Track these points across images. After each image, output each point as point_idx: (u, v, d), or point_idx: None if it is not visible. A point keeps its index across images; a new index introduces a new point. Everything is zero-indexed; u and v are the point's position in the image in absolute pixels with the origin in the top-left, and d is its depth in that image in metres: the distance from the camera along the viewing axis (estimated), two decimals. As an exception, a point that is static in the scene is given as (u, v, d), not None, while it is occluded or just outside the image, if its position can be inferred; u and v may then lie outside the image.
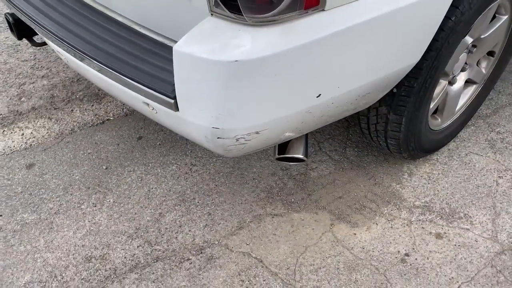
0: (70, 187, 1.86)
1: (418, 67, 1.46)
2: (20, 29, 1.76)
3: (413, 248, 1.65)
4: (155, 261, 1.62)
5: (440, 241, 1.67)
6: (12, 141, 2.05)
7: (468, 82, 1.92)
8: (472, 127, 2.08)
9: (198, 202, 1.81)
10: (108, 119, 2.15)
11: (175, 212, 1.77)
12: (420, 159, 1.94)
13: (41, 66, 2.44)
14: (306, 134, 1.50)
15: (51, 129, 2.10)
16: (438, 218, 1.74)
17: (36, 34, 1.80)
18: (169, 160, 1.96)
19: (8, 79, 2.37)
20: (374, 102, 1.55)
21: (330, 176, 1.89)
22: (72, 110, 2.19)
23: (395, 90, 1.54)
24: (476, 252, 1.64)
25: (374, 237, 1.68)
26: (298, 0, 1.07)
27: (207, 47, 1.09)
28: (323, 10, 1.13)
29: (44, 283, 1.57)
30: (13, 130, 2.10)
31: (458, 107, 1.93)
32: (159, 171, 1.92)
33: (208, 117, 1.16)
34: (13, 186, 1.87)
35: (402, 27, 1.28)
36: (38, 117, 2.16)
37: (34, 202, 1.81)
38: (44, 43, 1.93)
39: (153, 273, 1.59)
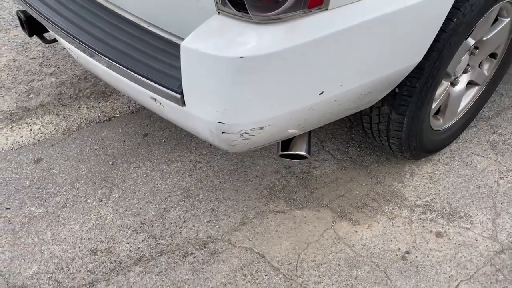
0: (76, 181, 1.90)
1: (420, 68, 1.48)
2: (31, 26, 1.80)
3: (414, 246, 1.67)
4: (159, 254, 1.65)
5: (440, 240, 1.69)
6: (21, 137, 2.09)
7: (470, 83, 1.94)
8: (474, 129, 2.10)
9: (202, 198, 1.84)
10: (114, 116, 2.19)
11: (179, 207, 1.80)
12: (422, 159, 1.96)
13: (49, 64, 2.48)
14: (309, 132, 1.53)
15: (58, 125, 2.14)
16: (438, 217, 1.76)
17: (47, 31, 1.84)
18: (174, 157, 2.00)
19: (17, 76, 2.41)
20: (376, 101, 1.57)
21: (333, 175, 1.92)
22: (79, 107, 2.23)
23: (397, 90, 1.56)
24: (475, 251, 1.66)
25: (375, 235, 1.71)
26: (302, -1, 1.10)
27: (214, 43, 1.12)
28: (327, 9, 1.16)
29: (51, 275, 1.60)
30: (22, 125, 2.14)
31: (460, 108, 1.96)
32: (164, 167, 1.95)
33: (213, 112, 1.19)
34: (21, 180, 1.91)
35: (404, 27, 1.31)
36: (46, 114, 2.20)
37: (42, 196, 1.85)
38: (54, 40, 1.97)
39: (157, 266, 1.62)
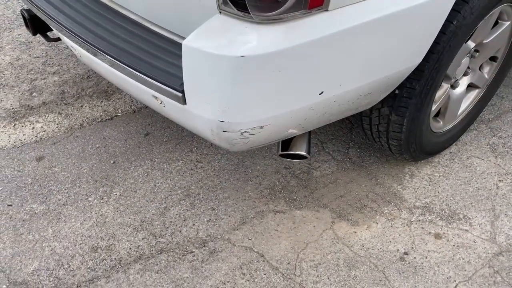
0: (78, 179, 1.91)
1: (419, 69, 1.49)
2: (35, 25, 1.82)
3: (412, 247, 1.68)
4: (159, 252, 1.66)
5: (439, 241, 1.70)
6: (23, 135, 2.11)
7: (471, 86, 1.95)
8: (474, 131, 2.11)
9: (202, 197, 1.85)
10: (116, 115, 2.20)
11: (179, 206, 1.82)
12: (422, 161, 1.97)
13: (53, 63, 2.50)
14: (309, 132, 1.54)
15: (61, 123, 2.16)
16: (437, 219, 1.77)
17: (50, 30, 1.86)
18: (175, 156, 2.01)
19: (20, 74, 2.43)
20: (376, 102, 1.58)
21: (333, 176, 1.93)
22: (81, 106, 2.25)
23: (397, 92, 1.58)
24: (474, 252, 1.66)
25: (374, 236, 1.72)
26: (302, 0, 1.12)
27: (215, 42, 1.14)
28: (327, 10, 1.17)
29: (51, 271, 1.61)
30: (24, 124, 2.16)
31: (460, 111, 1.96)
32: (165, 166, 1.97)
33: (214, 111, 1.20)
34: (23, 178, 1.92)
35: (403, 29, 1.32)
36: (49, 112, 2.22)
37: (43, 193, 1.86)
38: (58, 39, 1.98)
39: (157, 264, 1.63)
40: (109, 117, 2.19)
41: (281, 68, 1.16)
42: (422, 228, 1.74)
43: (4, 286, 1.57)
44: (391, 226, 1.75)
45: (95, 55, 1.43)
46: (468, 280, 1.59)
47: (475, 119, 2.08)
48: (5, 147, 2.05)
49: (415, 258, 1.65)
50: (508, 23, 1.79)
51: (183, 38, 1.25)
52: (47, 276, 1.60)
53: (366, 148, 2.05)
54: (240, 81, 1.15)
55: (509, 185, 1.89)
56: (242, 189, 1.88)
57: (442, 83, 1.75)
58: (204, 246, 1.68)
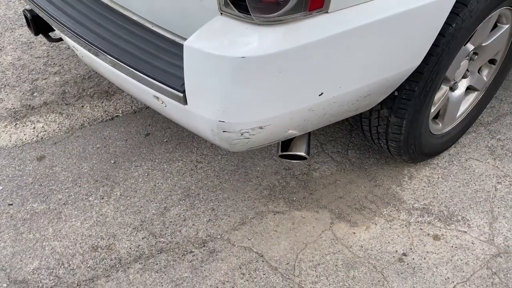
0: (78, 179, 1.92)
1: (419, 71, 1.50)
2: (37, 25, 1.83)
3: (411, 249, 1.69)
4: (159, 252, 1.67)
5: (437, 243, 1.71)
6: (24, 134, 2.12)
7: (470, 89, 1.96)
8: (473, 134, 2.12)
9: (202, 197, 1.86)
10: (117, 116, 2.21)
11: (179, 206, 1.82)
12: (421, 163, 1.98)
13: (54, 63, 2.51)
14: (309, 133, 1.55)
15: (62, 123, 2.17)
16: (436, 220, 1.78)
17: (52, 30, 1.87)
18: (175, 156, 2.02)
19: (21, 74, 2.44)
20: (375, 104, 1.59)
21: (332, 177, 1.94)
22: (82, 106, 2.26)
23: (396, 93, 1.59)
24: (472, 254, 1.67)
25: (373, 237, 1.72)
26: (303, 2, 1.13)
27: (216, 43, 1.15)
28: (327, 12, 1.19)
29: (52, 270, 1.62)
30: (25, 123, 2.17)
31: (459, 113, 1.97)
32: (165, 166, 1.98)
33: (215, 111, 1.22)
34: (24, 177, 1.93)
35: (402, 31, 1.33)
36: (50, 112, 2.23)
37: (44, 193, 1.87)
38: (60, 39, 2.00)
39: (157, 264, 1.64)
40: (110, 118, 2.20)
41: (282, 69, 1.17)
42: (421, 229, 1.75)
43: (5, 284, 1.58)
44: (390, 227, 1.76)
45: (96, 55, 1.44)
46: (466, 281, 1.59)
47: (474, 122, 2.09)
48: (6, 146, 2.06)
49: (413, 259, 1.66)
50: (507, 26, 1.80)
51: (184, 39, 1.26)
52: (47, 275, 1.61)
53: (365, 149, 2.06)
54: (241, 82, 1.16)
55: (507, 187, 1.90)
56: (241, 189, 1.89)
57: (441, 85, 1.76)
58: (204, 246, 1.69)
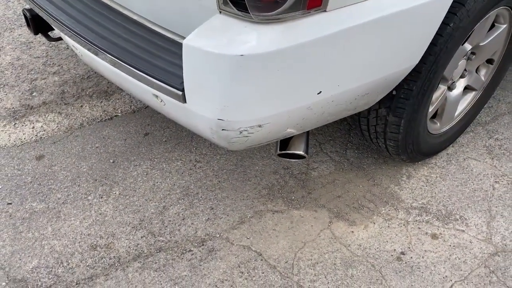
0: (78, 178, 1.93)
1: (417, 71, 1.51)
2: (37, 24, 1.83)
3: (409, 247, 1.69)
4: (158, 251, 1.67)
5: (435, 241, 1.71)
6: (23, 134, 2.12)
7: (467, 88, 1.97)
8: (471, 133, 2.13)
9: (201, 197, 1.86)
10: (116, 115, 2.22)
11: (178, 205, 1.83)
12: (419, 162, 1.99)
13: (53, 63, 2.51)
14: (307, 132, 1.55)
15: (61, 123, 2.17)
16: (434, 219, 1.79)
17: (52, 29, 1.88)
18: (174, 156, 2.02)
19: (20, 74, 2.44)
20: (374, 103, 1.60)
21: (330, 176, 1.95)
22: (81, 106, 2.26)
23: (394, 93, 1.59)
24: (470, 252, 1.68)
25: (371, 236, 1.73)
26: (301, 0, 1.14)
27: (215, 41, 1.16)
28: (325, 11, 1.19)
29: (51, 269, 1.62)
30: (24, 123, 2.17)
31: (457, 113, 1.98)
32: (164, 166, 1.98)
33: (213, 109, 1.22)
34: (23, 176, 1.93)
35: (400, 30, 1.34)
36: (49, 112, 2.23)
37: (43, 192, 1.87)
38: (59, 39, 2.00)
39: (156, 263, 1.64)
40: (109, 117, 2.21)
41: (280, 68, 1.18)
42: (419, 228, 1.76)
43: (4, 283, 1.58)
44: (388, 226, 1.76)
45: (96, 54, 1.45)
46: (464, 279, 1.60)
47: (472, 121, 2.10)
48: (5, 146, 2.06)
49: (411, 258, 1.66)
50: (505, 26, 1.81)
51: (183, 37, 1.27)
52: (46, 274, 1.61)
53: (363, 149, 2.06)
54: (239, 80, 1.17)
55: (505, 186, 1.91)
56: (240, 189, 1.89)
57: (439, 85, 1.77)
58: (203, 245, 1.70)
